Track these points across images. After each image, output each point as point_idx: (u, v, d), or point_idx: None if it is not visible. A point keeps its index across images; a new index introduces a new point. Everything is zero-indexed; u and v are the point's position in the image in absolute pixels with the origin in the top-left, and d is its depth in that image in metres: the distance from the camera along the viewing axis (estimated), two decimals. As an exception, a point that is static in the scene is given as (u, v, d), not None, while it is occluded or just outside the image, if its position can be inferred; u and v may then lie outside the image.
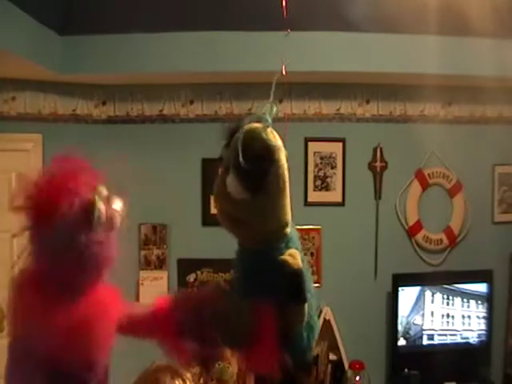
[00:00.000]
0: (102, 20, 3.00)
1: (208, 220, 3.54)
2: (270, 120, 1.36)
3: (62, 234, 1.16)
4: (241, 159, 1.25)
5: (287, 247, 1.36)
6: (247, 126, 1.36)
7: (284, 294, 1.28)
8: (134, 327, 1.37)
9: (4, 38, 2.47)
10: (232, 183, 1.29)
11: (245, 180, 1.28)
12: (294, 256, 1.32)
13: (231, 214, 1.34)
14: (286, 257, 1.31)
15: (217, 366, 3.51)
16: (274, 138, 1.37)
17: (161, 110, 3.56)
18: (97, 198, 1.21)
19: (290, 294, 1.29)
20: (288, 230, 1.41)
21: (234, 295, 1.33)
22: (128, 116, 3.57)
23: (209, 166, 3.54)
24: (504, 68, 2.99)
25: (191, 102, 3.56)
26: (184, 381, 1.57)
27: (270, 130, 1.36)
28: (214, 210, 3.52)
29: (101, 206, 1.20)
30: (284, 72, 2.91)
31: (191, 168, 3.53)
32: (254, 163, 1.27)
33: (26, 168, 3.31)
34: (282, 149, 1.37)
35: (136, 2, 2.97)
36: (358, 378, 3.29)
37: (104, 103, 3.56)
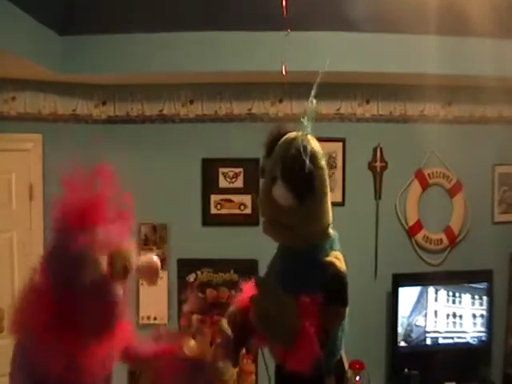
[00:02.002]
0: (101, 20, 3.00)
1: (208, 220, 3.55)
2: (309, 125, 1.40)
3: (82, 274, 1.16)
4: (286, 167, 1.31)
5: (331, 248, 1.40)
6: (288, 137, 1.38)
7: (327, 295, 1.31)
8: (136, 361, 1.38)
9: (4, 38, 2.46)
10: (280, 192, 1.33)
11: (292, 189, 1.32)
12: (340, 259, 1.36)
13: (279, 221, 1.37)
14: (332, 259, 1.34)
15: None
16: (315, 144, 1.41)
17: (161, 110, 3.56)
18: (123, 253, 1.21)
19: (334, 295, 1.32)
20: (331, 230, 1.45)
21: (279, 291, 1.33)
22: (128, 116, 3.57)
23: (209, 166, 3.55)
24: (504, 68, 2.99)
25: (191, 102, 3.56)
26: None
27: (310, 137, 1.39)
28: (214, 210, 3.57)
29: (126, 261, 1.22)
30: (284, 72, 2.92)
31: (191, 168, 3.53)
32: (301, 173, 1.31)
33: (26, 168, 3.31)
34: (322, 153, 1.41)
35: (136, 2, 2.97)
36: (357, 378, 3.29)
37: (104, 103, 3.56)
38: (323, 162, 1.41)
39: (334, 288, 1.32)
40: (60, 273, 1.18)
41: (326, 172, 1.43)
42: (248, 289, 1.53)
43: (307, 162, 1.33)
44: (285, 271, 1.40)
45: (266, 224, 1.43)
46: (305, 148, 1.34)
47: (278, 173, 1.34)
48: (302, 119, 1.41)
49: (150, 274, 1.38)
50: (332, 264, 1.32)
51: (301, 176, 1.31)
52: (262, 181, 1.45)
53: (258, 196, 1.47)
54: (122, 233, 1.26)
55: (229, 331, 1.47)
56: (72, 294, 1.15)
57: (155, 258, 1.42)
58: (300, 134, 1.39)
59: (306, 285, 1.32)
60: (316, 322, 1.27)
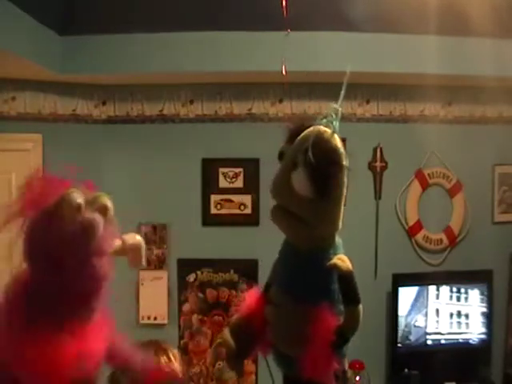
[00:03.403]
0: (101, 20, 3.00)
1: (208, 220, 3.54)
2: (337, 125, 1.38)
3: (58, 241, 1.08)
4: (311, 156, 1.24)
5: (335, 253, 1.36)
6: (317, 128, 1.35)
7: (340, 299, 1.29)
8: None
9: (4, 38, 2.46)
10: (300, 180, 1.27)
11: (315, 180, 1.27)
12: (343, 259, 1.32)
13: (291, 210, 1.31)
14: (335, 261, 1.31)
15: (217, 365, 3.52)
16: (341, 144, 1.38)
17: (161, 110, 3.56)
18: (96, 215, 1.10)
19: (344, 296, 1.29)
20: (337, 236, 1.42)
21: (288, 299, 1.31)
22: (128, 116, 3.56)
23: (209, 166, 3.55)
24: (504, 68, 2.99)
25: (191, 102, 3.56)
26: (169, 358, 1.55)
27: (336, 135, 1.37)
28: (214, 210, 3.57)
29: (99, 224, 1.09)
30: (284, 72, 2.92)
31: (191, 168, 3.53)
32: (324, 164, 1.27)
33: (26, 168, 3.31)
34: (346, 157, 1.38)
35: (136, 2, 2.97)
36: (357, 378, 3.29)
37: (104, 103, 3.56)
38: (346, 164, 1.38)
39: (343, 289, 1.30)
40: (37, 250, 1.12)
41: (345, 176, 1.40)
42: (251, 296, 1.49)
43: (338, 157, 1.31)
44: (289, 276, 1.38)
45: (276, 210, 1.35)
46: (332, 143, 1.32)
47: (300, 159, 1.28)
48: (326, 119, 1.39)
49: (136, 253, 1.29)
50: (335, 266, 1.30)
51: (327, 169, 1.27)
52: (279, 164, 1.38)
53: (271, 186, 1.39)
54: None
55: (232, 342, 1.42)
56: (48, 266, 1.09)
57: (138, 237, 1.34)
58: (328, 130, 1.37)
59: (313, 290, 1.30)
60: (331, 328, 1.25)
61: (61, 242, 1.07)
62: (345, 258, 1.35)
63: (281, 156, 1.37)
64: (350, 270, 1.31)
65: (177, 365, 1.59)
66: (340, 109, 1.40)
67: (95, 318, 1.16)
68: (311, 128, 1.37)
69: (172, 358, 1.58)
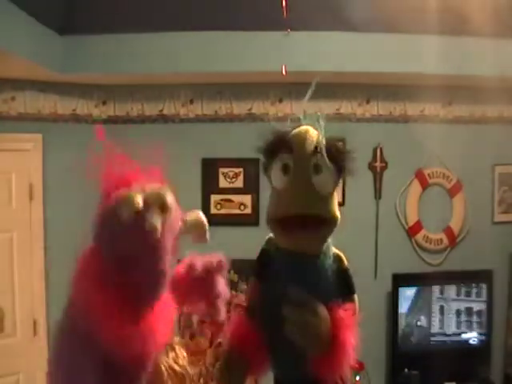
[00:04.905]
0: (102, 20, 3.00)
1: (208, 220, 3.54)
2: (322, 126, 1.39)
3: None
4: (334, 152, 1.30)
5: (329, 248, 1.40)
6: (305, 128, 1.37)
7: (339, 293, 1.32)
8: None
9: (4, 38, 2.46)
10: (325, 179, 1.30)
11: (337, 173, 1.32)
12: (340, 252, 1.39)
13: (315, 213, 1.30)
14: (342, 255, 1.38)
15: (217, 365, 3.52)
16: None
17: (161, 110, 3.56)
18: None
19: (349, 288, 1.35)
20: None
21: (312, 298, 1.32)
22: (128, 116, 3.57)
23: (209, 166, 3.55)
24: (504, 68, 2.99)
25: (191, 102, 3.56)
26: (177, 354, 1.54)
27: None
28: (214, 210, 3.56)
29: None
30: (284, 72, 2.92)
31: (191, 168, 3.53)
32: (341, 158, 1.32)
33: (26, 168, 3.31)
34: None
35: (136, 1, 2.97)
36: (358, 378, 3.29)
37: (104, 103, 3.56)
38: None
39: (347, 280, 1.36)
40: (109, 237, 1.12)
41: None
42: (236, 322, 1.46)
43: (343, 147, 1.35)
44: (288, 281, 1.37)
45: (298, 221, 1.29)
46: (339, 143, 1.36)
47: (321, 161, 1.29)
48: (310, 119, 1.40)
49: (199, 230, 1.32)
50: (342, 261, 1.37)
51: (344, 162, 1.33)
52: (286, 178, 1.36)
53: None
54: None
55: (227, 378, 1.43)
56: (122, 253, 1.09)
57: (200, 213, 1.36)
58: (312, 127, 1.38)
59: (320, 293, 1.31)
60: (351, 327, 1.27)
61: (122, 240, 1.07)
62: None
63: (286, 168, 1.34)
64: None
65: (185, 362, 1.59)
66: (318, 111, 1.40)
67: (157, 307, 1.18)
68: (297, 130, 1.37)
69: (180, 354, 1.58)
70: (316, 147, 1.30)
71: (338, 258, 1.38)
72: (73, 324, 1.10)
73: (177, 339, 1.58)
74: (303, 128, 1.37)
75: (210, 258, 1.46)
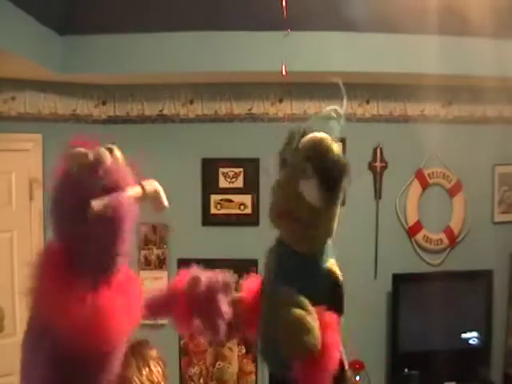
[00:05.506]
0: (101, 20, 3.00)
1: (208, 220, 3.55)
2: (338, 129, 1.41)
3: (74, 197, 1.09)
4: (326, 168, 1.31)
5: (327, 256, 1.40)
6: (319, 137, 1.40)
7: (328, 304, 1.31)
8: (153, 311, 1.35)
9: (4, 38, 2.46)
10: (310, 187, 1.32)
11: (327, 191, 1.33)
12: (337, 268, 1.37)
13: (297, 216, 1.34)
14: (334, 267, 1.36)
15: (217, 365, 3.52)
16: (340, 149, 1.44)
17: (161, 110, 3.56)
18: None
19: (335, 305, 1.33)
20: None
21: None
22: (128, 116, 3.57)
23: (209, 166, 3.55)
24: (504, 68, 2.99)
25: (191, 102, 3.56)
26: (150, 368, 1.49)
27: (336, 142, 1.42)
28: (214, 210, 3.57)
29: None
30: (284, 72, 2.92)
31: (191, 168, 3.53)
32: (335, 177, 1.33)
33: (26, 168, 3.31)
34: None
35: (136, 2, 2.97)
36: (357, 378, 3.29)
37: (104, 103, 3.56)
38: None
39: (335, 297, 1.34)
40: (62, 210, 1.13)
41: None
42: (252, 283, 1.53)
43: (347, 169, 1.36)
44: (287, 277, 1.38)
45: (281, 216, 1.37)
46: (337, 152, 1.38)
47: (310, 169, 1.32)
48: (328, 121, 1.42)
49: (156, 197, 1.32)
50: (334, 273, 1.34)
51: (338, 182, 1.34)
52: (280, 171, 1.41)
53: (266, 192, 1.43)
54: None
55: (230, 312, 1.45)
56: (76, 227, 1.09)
57: (155, 182, 1.37)
58: (330, 138, 1.40)
59: (307, 292, 1.31)
60: (337, 331, 1.28)
61: (76, 185, 1.10)
62: (336, 266, 1.39)
63: (283, 162, 1.39)
64: (342, 281, 1.37)
65: (160, 378, 1.52)
66: (341, 110, 1.42)
67: (125, 270, 1.17)
68: (313, 135, 1.39)
69: (153, 369, 1.51)
70: (309, 156, 1.30)
71: (331, 273, 1.36)
72: (30, 322, 1.11)
73: (153, 353, 1.53)
74: (320, 135, 1.40)
75: (215, 276, 1.46)
